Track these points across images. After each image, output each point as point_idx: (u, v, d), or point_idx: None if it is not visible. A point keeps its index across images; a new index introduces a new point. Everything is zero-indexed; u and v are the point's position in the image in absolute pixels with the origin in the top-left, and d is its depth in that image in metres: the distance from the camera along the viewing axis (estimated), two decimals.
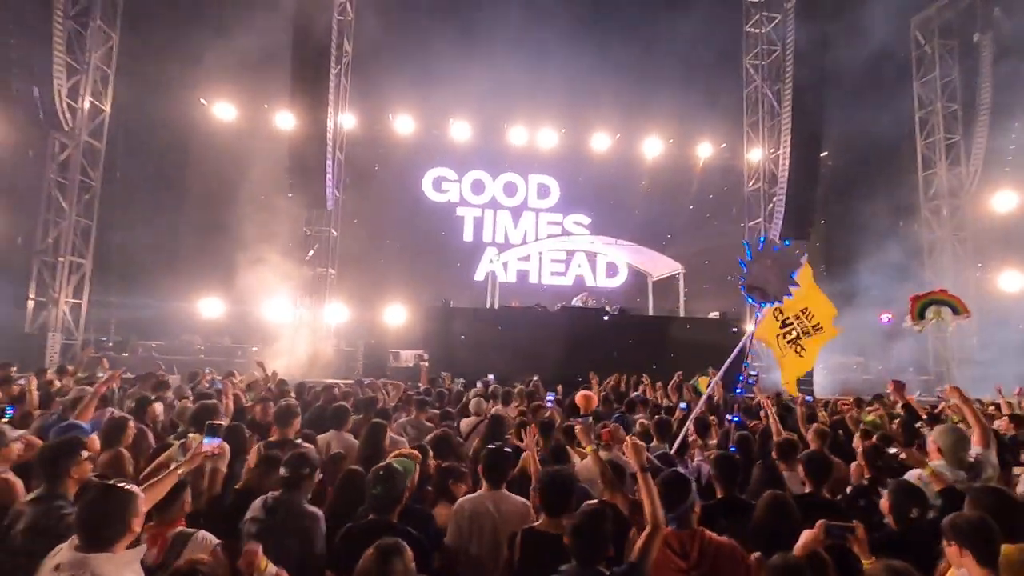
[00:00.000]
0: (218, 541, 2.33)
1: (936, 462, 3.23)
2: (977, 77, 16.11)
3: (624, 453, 2.88)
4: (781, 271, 4.69)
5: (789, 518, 2.54)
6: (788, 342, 5.04)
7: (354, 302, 15.75)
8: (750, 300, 4.85)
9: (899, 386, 5.23)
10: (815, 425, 4.65)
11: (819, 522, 2.11)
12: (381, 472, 2.61)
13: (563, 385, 8.09)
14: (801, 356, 5.03)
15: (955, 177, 16.80)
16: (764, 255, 4.76)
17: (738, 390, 5.38)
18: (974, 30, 16.03)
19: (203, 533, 2.25)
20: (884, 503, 2.80)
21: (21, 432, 3.45)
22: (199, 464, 3.18)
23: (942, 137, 16.83)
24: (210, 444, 2.77)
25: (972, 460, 3.26)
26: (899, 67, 17.45)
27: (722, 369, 5.40)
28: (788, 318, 5.01)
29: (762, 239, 4.81)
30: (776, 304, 4.74)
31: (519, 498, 2.97)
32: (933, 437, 3.37)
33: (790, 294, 4.70)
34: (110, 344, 14.23)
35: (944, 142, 16.82)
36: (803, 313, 4.97)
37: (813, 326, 4.94)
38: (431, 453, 3.66)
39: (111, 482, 2.08)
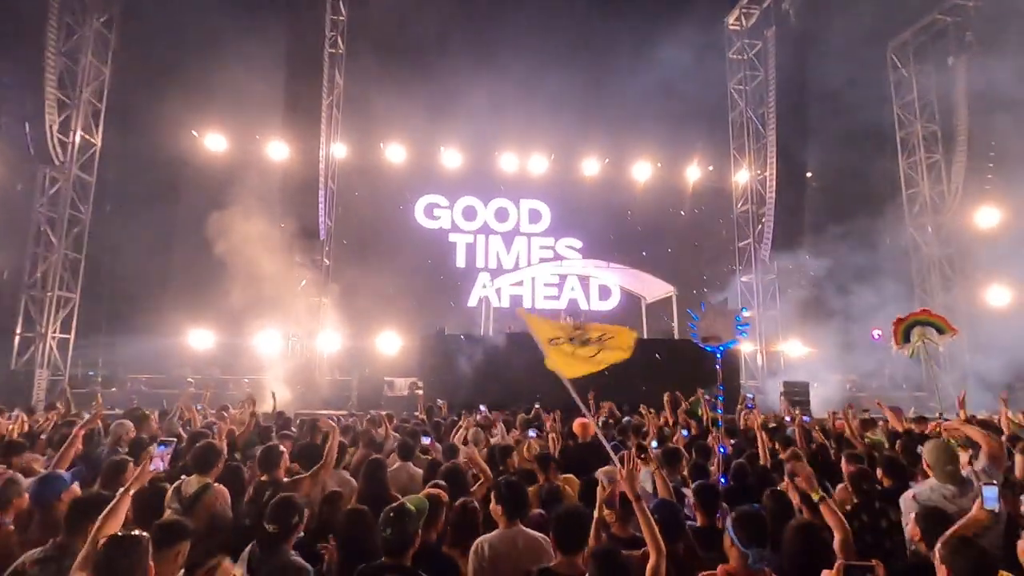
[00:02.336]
0: None
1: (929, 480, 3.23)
2: (954, 98, 16.58)
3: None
4: (726, 320, 5.71)
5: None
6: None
7: (347, 331, 15.62)
8: (708, 348, 5.78)
9: (897, 412, 5.17)
10: (791, 449, 4.56)
11: (838, 563, 2.07)
12: (392, 513, 2.51)
13: (562, 411, 8.01)
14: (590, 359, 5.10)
15: (938, 195, 17.14)
16: (708, 312, 5.85)
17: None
18: (948, 53, 16.56)
19: None
20: (912, 530, 2.71)
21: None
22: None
23: (923, 156, 17.23)
24: (161, 452, 2.70)
25: (964, 475, 3.24)
26: (879, 90, 17.92)
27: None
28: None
29: (703, 304, 6.05)
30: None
31: (537, 533, 2.88)
32: (924, 453, 3.34)
33: (741, 334, 5.76)
34: (99, 379, 13.99)
35: (925, 161, 17.21)
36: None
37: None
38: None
39: (125, 533, 2.09)
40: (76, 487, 3.10)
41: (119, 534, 2.07)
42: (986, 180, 16.60)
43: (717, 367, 5.21)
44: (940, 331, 5.96)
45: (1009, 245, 15.40)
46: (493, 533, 2.86)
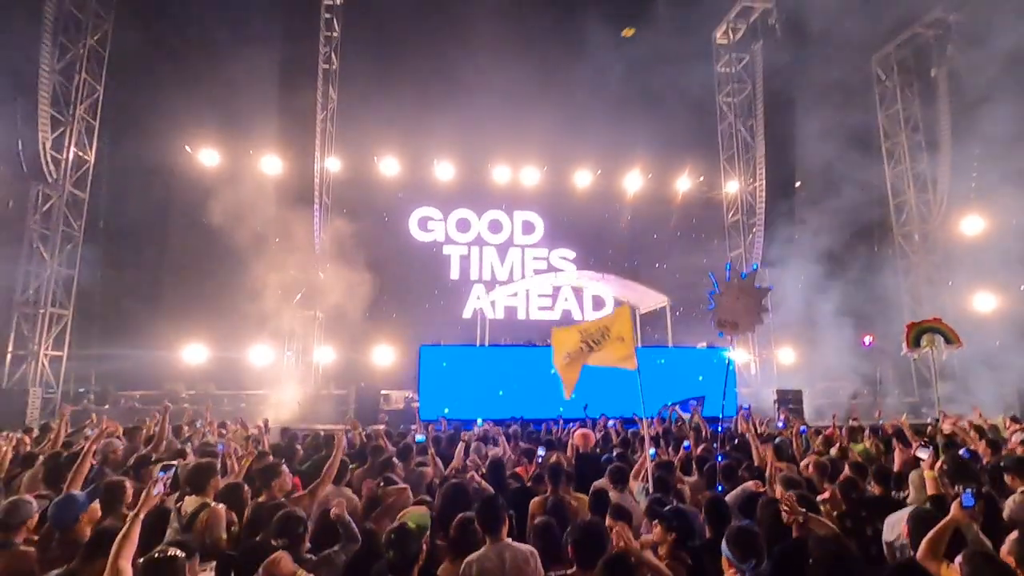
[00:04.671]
0: None
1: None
2: (937, 108, 16.91)
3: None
4: (750, 302, 4.81)
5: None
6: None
7: (343, 345, 15.62)
8: (721, 335, 5.02)
9: (905, 451, 5.36)
10: (813, 458, 4.70)
11: None
12: (392, 535, 2.58)
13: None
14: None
15: (924, 204, 17.43)
16: (732, 285, 4.85)
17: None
18: (931, 65, 16.92)
19: None
20: (904, 530, 2.89)
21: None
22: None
23: (908, 166, 17.53)
24: (163, 477, 2.74)
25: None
26: (864, 101, 18.26)
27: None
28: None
29: (727, 266, 4.93)
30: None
31: (523, 545, 2.95)
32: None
33: (761, 322, 4.84)
34: (91, 396, 13.87)
35: (911, 171, 17.51)
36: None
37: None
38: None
39: (163, 553, 2.18)
40: (96, 507, 3.12)
41: (155, 555, 2.14)
42: (970, 189, 16.90)
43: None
44: (948, 341, 6.02)
45: (994, 251, 15.67)
46: (480, 551, 2.90)
